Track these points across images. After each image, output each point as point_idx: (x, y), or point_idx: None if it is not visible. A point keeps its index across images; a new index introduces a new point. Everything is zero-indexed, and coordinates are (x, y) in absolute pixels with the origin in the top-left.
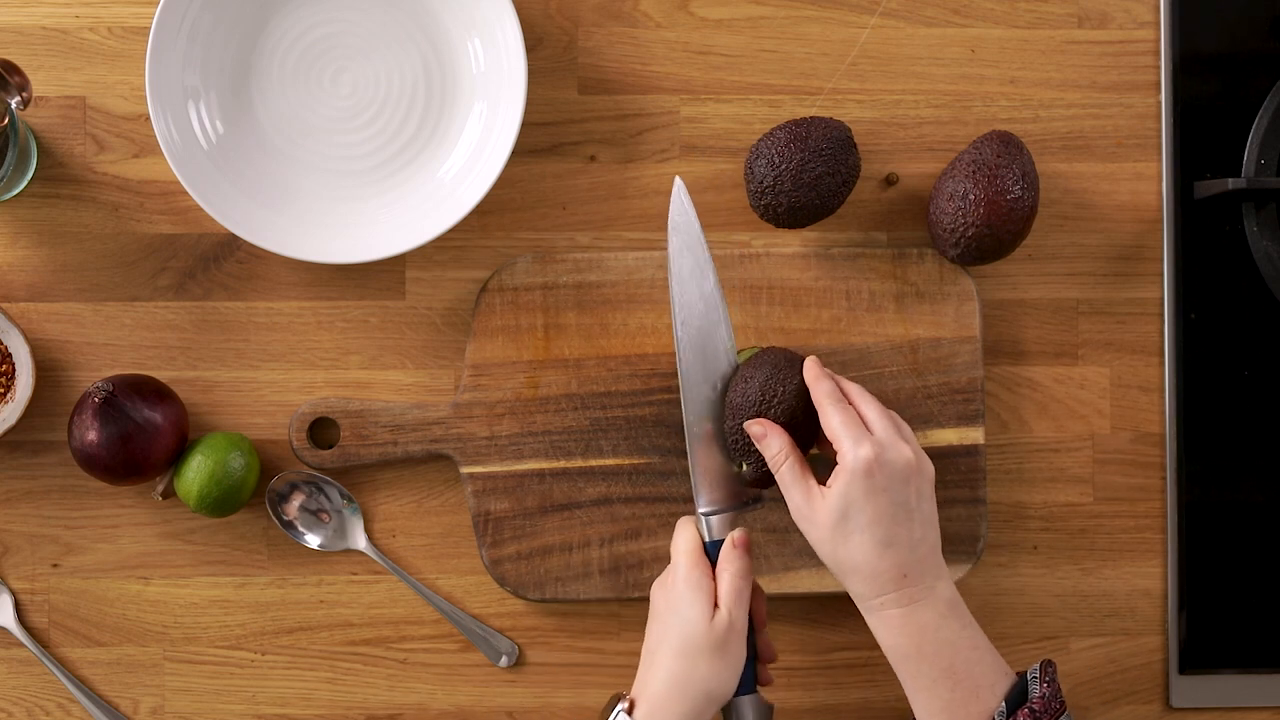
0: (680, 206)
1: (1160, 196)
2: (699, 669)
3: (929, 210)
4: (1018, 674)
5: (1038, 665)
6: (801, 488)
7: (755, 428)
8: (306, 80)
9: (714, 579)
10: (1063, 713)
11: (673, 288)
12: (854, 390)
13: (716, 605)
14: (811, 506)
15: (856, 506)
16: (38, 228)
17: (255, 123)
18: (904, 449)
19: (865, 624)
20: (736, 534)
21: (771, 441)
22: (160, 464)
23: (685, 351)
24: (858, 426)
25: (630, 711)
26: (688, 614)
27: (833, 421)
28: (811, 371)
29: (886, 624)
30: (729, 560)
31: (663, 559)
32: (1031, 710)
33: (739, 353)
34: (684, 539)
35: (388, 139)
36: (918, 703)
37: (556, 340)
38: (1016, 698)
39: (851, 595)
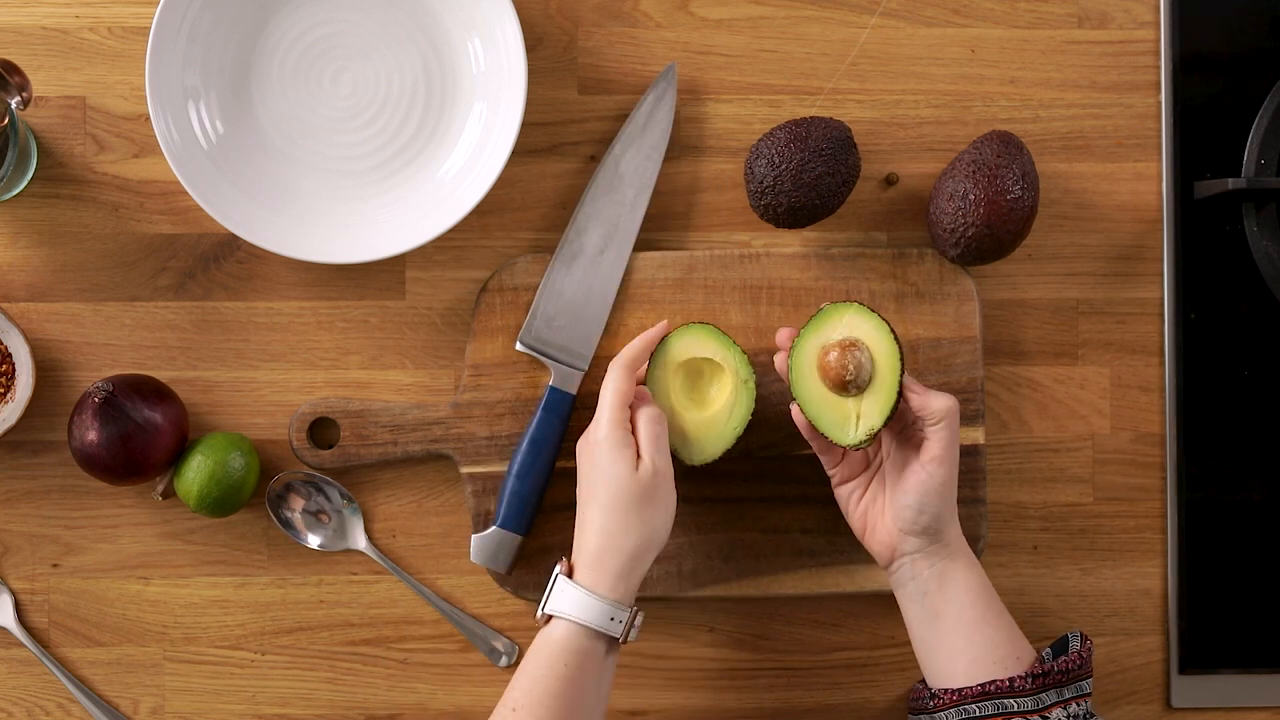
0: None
1: (1160, 196)
2: (630, 520)
3: (929, 210)
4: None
5: (1076, 630)
6: (909, 455)
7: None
8: (306, 80)
9: (634, 431)
10: (1090, 675)
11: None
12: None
13: (639, 456)
14: (930, 466)
15: (957, 448)
16: (38, 228)
17: (255, 123)
18: None
19: (865, 624)
20: (640, 387)
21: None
22: (160, 464)
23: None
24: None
25: (570, 574)
26: (612, 470)
27: (913, 379)
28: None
29: (971, 561)
30: (640, 408)
31: (663, 559)
32: (1079, 654)
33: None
34: (609, 394)
35: (388, 139)
36: (980, 638)
37: None
38: (1059, 646)
39: (940, 545)
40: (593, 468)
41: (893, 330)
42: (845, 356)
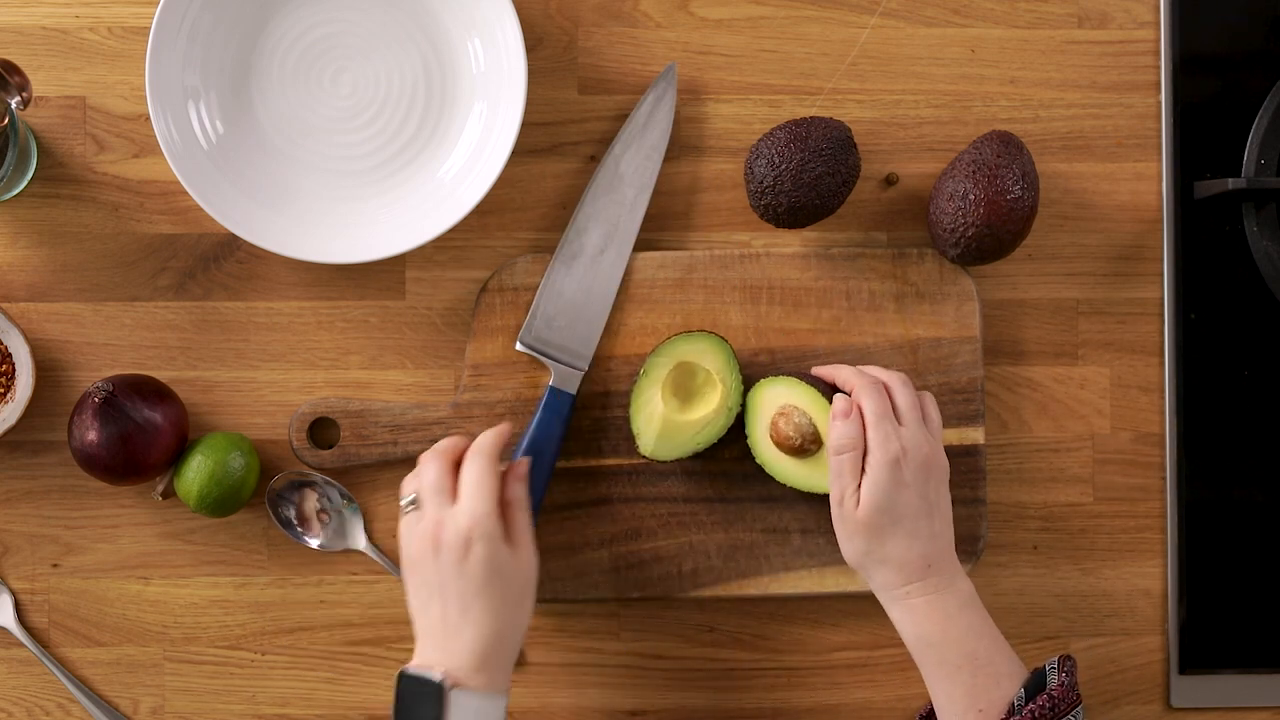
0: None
1: (1160, 196)
2: (519, 613)
3: (929, 210)
4: (1033, 670)
5: (1056, 658)
6: (850, 484)
7: (842, 404)
8: (306, 80)
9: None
10: (1078, 704)
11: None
12: (886, 376)
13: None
14: (851, 503)
15: (890, 498)
16: (38, 228)
17: (255, 123)
18: (926, 444)
19: (865, 625)
20: (523, 463)
21: (851, 426)
22: (160, 464)
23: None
24: (887, 420)
25: (463, 685)
26: (499, 562)
27: (866, 413)
28: (827, 366)
29: (912, 612)
30: (514, 496)
31: (663, 559)
32: (1051, 696)
33: (754, 386)
34: (483, 485)
35: (388, 139)
36: (940, 690)
37: None
38: (1035, 685)
39: (875, 587)
40: (471, 561)
41: (805, 378)
42: (784, 425)
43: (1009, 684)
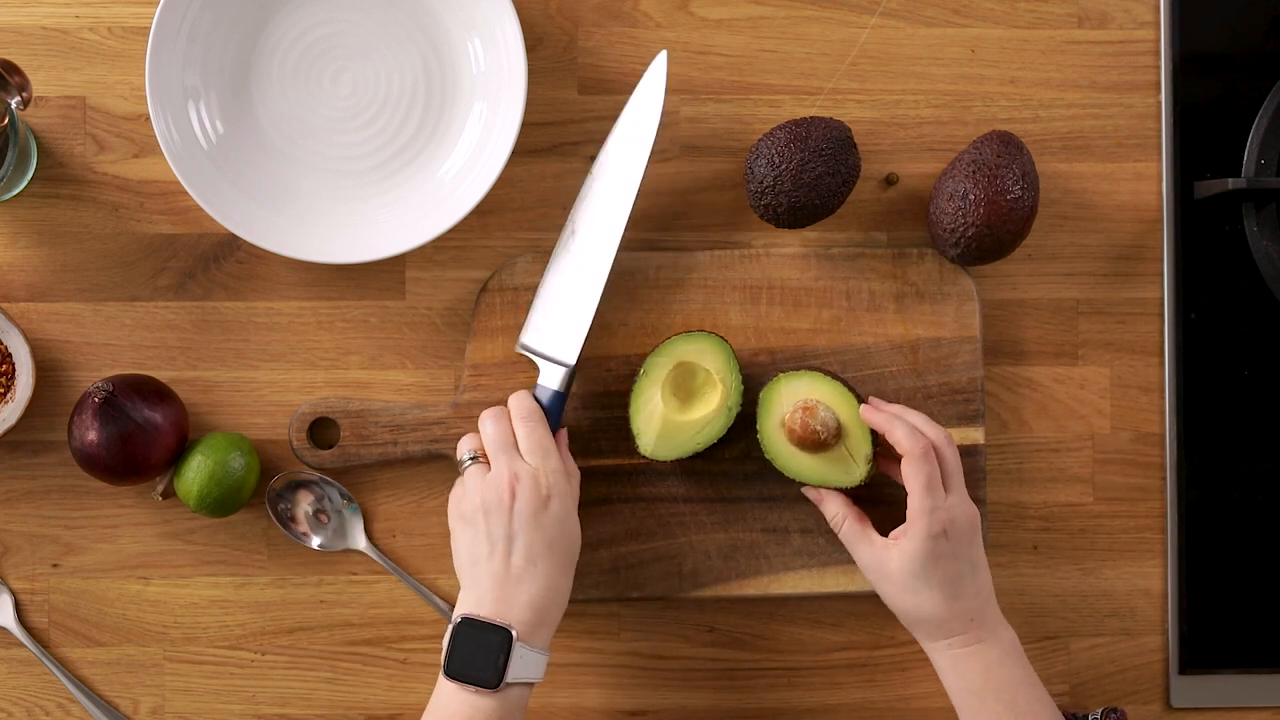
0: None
1: (1160, 196)
2: (571, 574)
3: (929, 210)
4: (1069, 715)
5: (1100, 710)
6: (866, 544)
7: (811, 493)
8: (306, 80)
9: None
10: None
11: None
12: (934, 433)
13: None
14: (881, 561)
15: (928, 568)
16: (38, 228)
17: (255, 123)
18: (969, 508)
19: (865, 625)
20: (561, 434)
21: (829, 504)
22: (160, 464)
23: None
24: (936, 490)
25: (522, 637)
26: (570, 523)
27: (915, 481)
28: (880, 414)
29: (954, 662)
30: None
31: (663, 559)
32: None
33: (774, 379)
34: (545, 444)
35: (388, 139)
36: None
37: None
38: None
39: (918, 637)
40: (549, 515)
41: (827, 372)
42: (809, 419)
43: None
